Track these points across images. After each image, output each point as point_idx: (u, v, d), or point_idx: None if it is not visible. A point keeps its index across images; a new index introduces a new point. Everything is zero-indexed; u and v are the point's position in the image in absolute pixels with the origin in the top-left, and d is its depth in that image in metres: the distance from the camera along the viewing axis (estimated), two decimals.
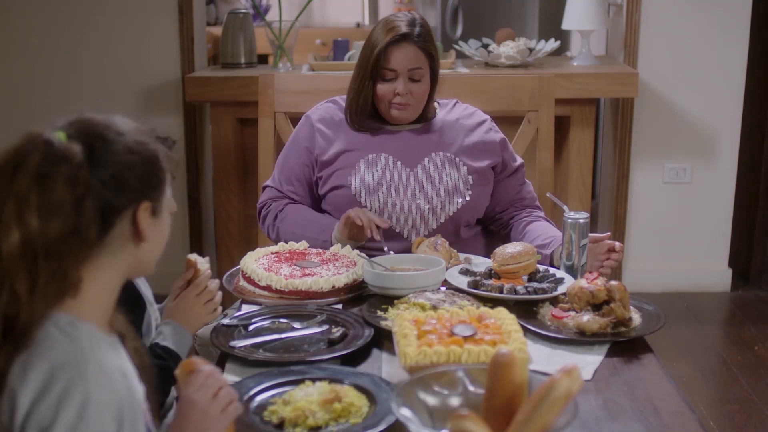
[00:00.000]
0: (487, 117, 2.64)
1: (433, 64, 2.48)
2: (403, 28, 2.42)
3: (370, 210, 2.45)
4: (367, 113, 2.51)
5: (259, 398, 1.64)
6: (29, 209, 1.29)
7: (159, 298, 2.01)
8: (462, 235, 2.53)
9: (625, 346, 1.88)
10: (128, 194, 1.38)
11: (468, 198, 2.49)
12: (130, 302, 1.81)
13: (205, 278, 1.97)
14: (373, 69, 2.44)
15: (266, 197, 2.62)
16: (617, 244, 2.26)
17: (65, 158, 1.32)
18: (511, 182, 2.60)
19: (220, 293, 2.01)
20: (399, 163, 2.50)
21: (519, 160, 2.63)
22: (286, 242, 2.41)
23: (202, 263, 1.97)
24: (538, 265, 2.18)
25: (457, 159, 2.51)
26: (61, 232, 1.31)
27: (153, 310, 2.03)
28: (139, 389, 1.38)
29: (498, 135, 2.59)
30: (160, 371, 1.76)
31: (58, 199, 1.30)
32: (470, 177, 2.51)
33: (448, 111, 2.60)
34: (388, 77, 2.44)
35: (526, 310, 2.00)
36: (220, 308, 1.98)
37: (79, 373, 1.28)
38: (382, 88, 2.45)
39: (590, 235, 2.20)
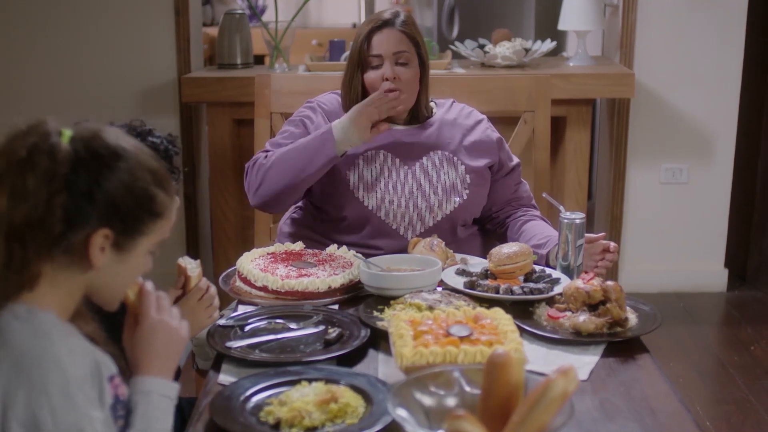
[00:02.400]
0: (484, 117, 2.64)
1: (420, 50, 2.49)
2: (386, 15, 2.47)
3: (368, 207, 2.45)
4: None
5: (255, 399, 1.64)
6: (2, 190, 1.32)
7: None
8: (459, 235, 2.53)
9: (621, 347, 1.88)
10: (92, 213, 1.37)
11: (465, 197, 2.49)
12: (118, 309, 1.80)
13: (204, 283, 1.96)
14: (359, 58, 2.46)
15: (259, 153, 2.57)
16: (612, 244, 2.27)
17: (51, 153, 1.33)
18: (508, 182, 2.61)
19: (217, 297, 2.00)
20: (398, 160, 2.50)
21: (515, 160, 2.64)
22: (275, 185, 2.39)
23: (192, 269, 1.95)
24: (534, 266, 2.18)
25: (455, 158, 2.52)
26: (26, 218, 1.32)
27: None
28: (106, 361, 1.41)
29: (495, 134, 2.60)
30: None
31: (30, 187, 1.32)
32: (468, 176, 2.51)
33: (446, 110, 2.60)
34: (375, 64, 2.45)
35: (522, 310, 2.00)
36: (217, 313, 1.98)
37: (50, 359, 1.30)
38: (369, 76, 2.46)
39: (586, 235, 2.20)
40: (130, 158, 1.40)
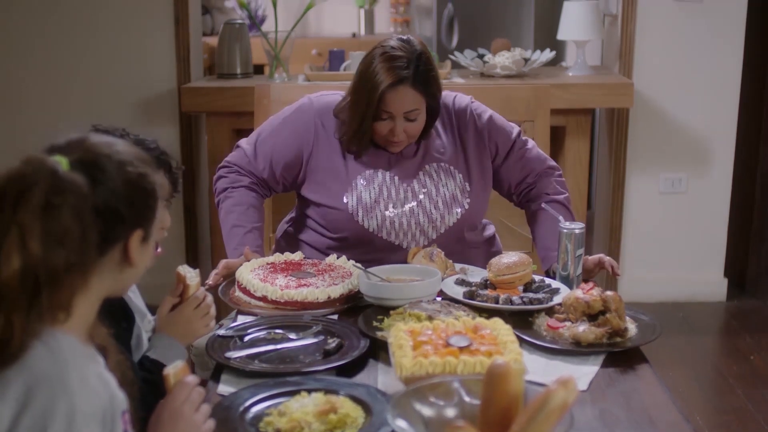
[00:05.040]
0: (468, 103, 2.57)
1: (432, 101, 2.41)
2: (402, 72, 2.33)
3: (368, 229, 2.43)
4: (367, 147, 2.46)
5: (254, 409, 1.64)
6: (33, 238, 1.28)
7: (152, 309, 2.01)
8: (468, 239, 2.53)
9: (620, 357, 1.88)
10: (123, 225, 1.38)
11: (467, 206, 2.48)
12: (116, 315, 1.81)
13: (201, 292, 1.96)
14: (371, 109, 2.36)
15: (234, 161, 2.57)
16: (607, 261, 2.33)
17: (71, 189, 1.31)
18: (511, 163, 2.55)
19: (214, 307, 2.00)
20: (396, 178, 2.47)
21: (513, 131, 2.56)
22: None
23: (192, 277, 1.95)
24: (534, 276, 2.18)
25: (451, 168, 2.51)
26: (65, 262, 1.30)
27: (145, 323, 2.02)
28: (120, 396, 1.39)
29: (483, 119, 2.53)
30: (147, 384, 1.76)
31: (64, 229, 1.30)
32: (467, 184, 2.50)
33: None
34: (384, 117, 2.38)
35: (521, 320, 2.00)
36: (214, 322, 1.98)
37: (62, 386, 1.28)
38: (378, 126, 2.40)
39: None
40: (126, 157, 1.41)
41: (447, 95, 2.57)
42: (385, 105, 2.35)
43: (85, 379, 1.32)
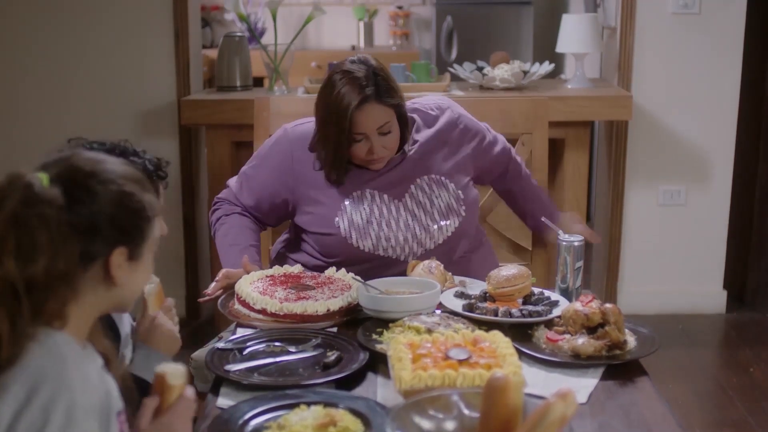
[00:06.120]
0: (445, 108, 2.59)
1: (399, 109, 2.41)
2: (366, 90, 2.33)
3: (364, 250, 2.43)
4: (346, 171, 2.46)
5: (254, 422, 1.64)
6: (5, 252, 1.32)
7: None
8: (464, 247, 2.53)
9: (620, 369, 1.88)
10: (102, 242, 1.40)
11: (464, 213, 2.48)
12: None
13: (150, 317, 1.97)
14: (343, 135, 2.36)
15: (225, 198, 2.61)
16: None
17: (43, 202, 1.34)
18: (488, 158, 2.64)
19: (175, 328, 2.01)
20: (385, 196, 2.47)
21: (487, 138, 2.63)
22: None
23: (148, 291, 1.94)
24: (533, 288, 2.18)
25: (442, 178, 2.50)
26: (44, 272, 1.33)
27: (128, 350, 2.01)
28: (115, 395, 1.41)
29: (458, 123, 2.57)
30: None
31: (38, 240, 1.33)
32: (460, 192, 2.50)
33: (416, 128, 2.54)
34: (358, 139, 2.38)
35: (521, 333, 2.00)
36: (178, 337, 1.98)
37: (61, 382, 1.31)
38: (356, 149, 2.40)
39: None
40: (111, 176, 1.42)
41: (425, 103, 2.60)
42: (357, 127, 2.35)
43: (83, 375, 1.34)
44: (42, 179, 1.36)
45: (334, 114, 2.36)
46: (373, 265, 2.44)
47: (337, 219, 2.44)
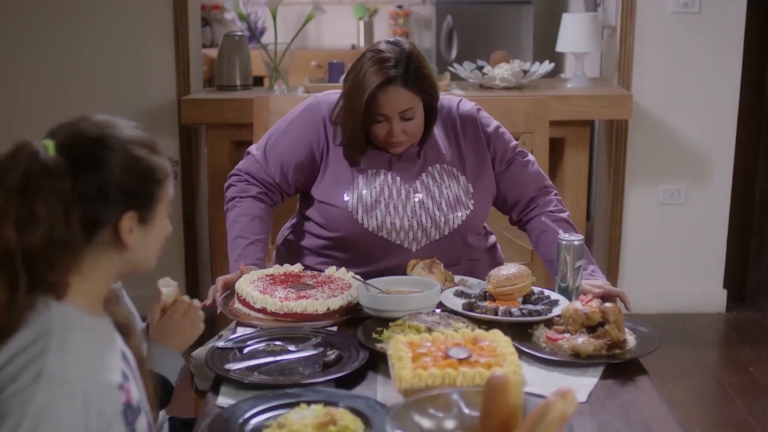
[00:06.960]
0: (473, 108, 2.57)
1: (427, 98, 2.41)
2: (391, 71, 2.33)
3: (367, 227, 2.43)
4: (363, 151, 2.46)
5: (254, 421, 1.64)
6: (6, 221, 1.32)
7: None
8: (471, 243, 2.53)
9: (619, 368, 1.88)
10: (111, 208, 1.40)
11: (471, 207, 2.47)
12: None
13: (185, 300, 1.96)
14: (365, 112, 2.36)
15: (245, 169, 2.57)
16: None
17: (48, 171, 1.34)
18: (511, 172, 2.55)
19: (201, 312, 1.99)
20: (398, 178, 2.47)
21: (512, 143, 2.56)
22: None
23: (168, 293, 1.95)
24: (533, 287, 2.18)
25: (454, 169, 2.50)
26: (41, 242, 1.33)
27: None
28: (115, 365, 1.40)
29: (486, 129, 2.54)
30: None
31: (37, 211, 1.32)
32: (470, 185, 2.49)
33: (439, 117, 2.53)
34: (380, 120, 2.38)
35: (521, 332, 2.00)
36: (203, 324, 1.96)
37: (40, 351, 1.31)
38: (375, 128, 2.40)
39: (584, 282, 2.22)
40: (119, 140, 1.43)
41: (451, 99, 2.59)
42: (377, 107, 2.36)
43: (65, 346, 1.33)
44: (48, 147, 1.36)
45: (357, 89, 2.36)
46: (373, 247, 2.44)
47: (346, 193, 2.45)
